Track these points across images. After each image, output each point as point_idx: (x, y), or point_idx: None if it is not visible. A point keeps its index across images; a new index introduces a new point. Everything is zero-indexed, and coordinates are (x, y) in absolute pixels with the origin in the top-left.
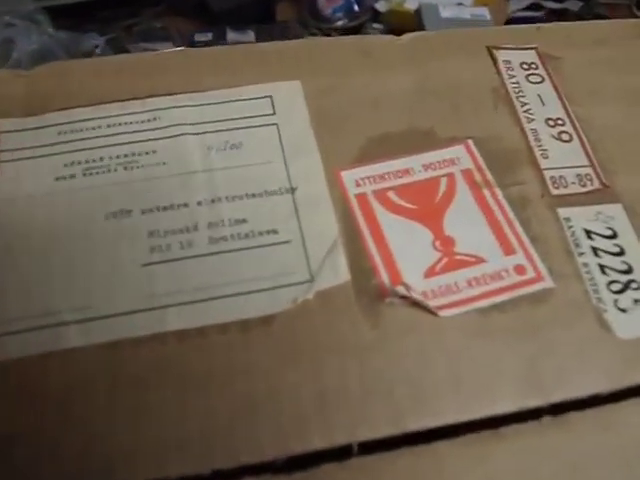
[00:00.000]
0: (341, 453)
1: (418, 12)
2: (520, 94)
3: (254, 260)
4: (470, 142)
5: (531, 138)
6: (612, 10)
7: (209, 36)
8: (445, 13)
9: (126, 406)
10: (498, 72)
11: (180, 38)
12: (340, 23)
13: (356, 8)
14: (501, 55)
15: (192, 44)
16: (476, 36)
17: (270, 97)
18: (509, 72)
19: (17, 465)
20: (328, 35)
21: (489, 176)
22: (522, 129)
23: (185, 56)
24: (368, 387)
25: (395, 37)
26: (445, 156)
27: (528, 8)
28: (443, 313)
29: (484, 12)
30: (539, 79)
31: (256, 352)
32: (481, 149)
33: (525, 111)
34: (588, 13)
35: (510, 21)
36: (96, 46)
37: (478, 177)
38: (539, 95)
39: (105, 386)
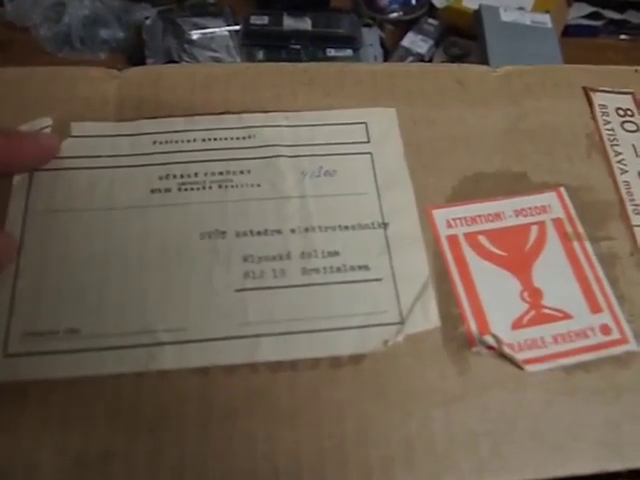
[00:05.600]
0: None
1: (478, 13)
2: (614, 142)
3: (346, 296)
4: (562, 190)
5: (623, 191)
6: None
7: (265, 20)
8: (505, 17)
9: (217, 434)
10: (593, 116)
11: (232, 16)
12: (395, 15)
13: (413, 1)
14: (597, 98)
15: (247, 26)
16: (572, 74)
17: (365, 124)
18: (604, 117)
19: None
20: (381, 26)
21: (580, 228)
22: (615, 180)
23: (278, 70)
24: (452, 436)
25: (490, 68)
26: (536, 202)
27: (587, 17)
28: (529, 368)
29: (546, 19)
30: (634, 127)
31: (345, 391)
32: (573, 198)
33: (619, 161)
34: None
35: (567, 28)
36: (147, 17)
37: (569, 228)
38: (633, 145)
39: (197, 412)
